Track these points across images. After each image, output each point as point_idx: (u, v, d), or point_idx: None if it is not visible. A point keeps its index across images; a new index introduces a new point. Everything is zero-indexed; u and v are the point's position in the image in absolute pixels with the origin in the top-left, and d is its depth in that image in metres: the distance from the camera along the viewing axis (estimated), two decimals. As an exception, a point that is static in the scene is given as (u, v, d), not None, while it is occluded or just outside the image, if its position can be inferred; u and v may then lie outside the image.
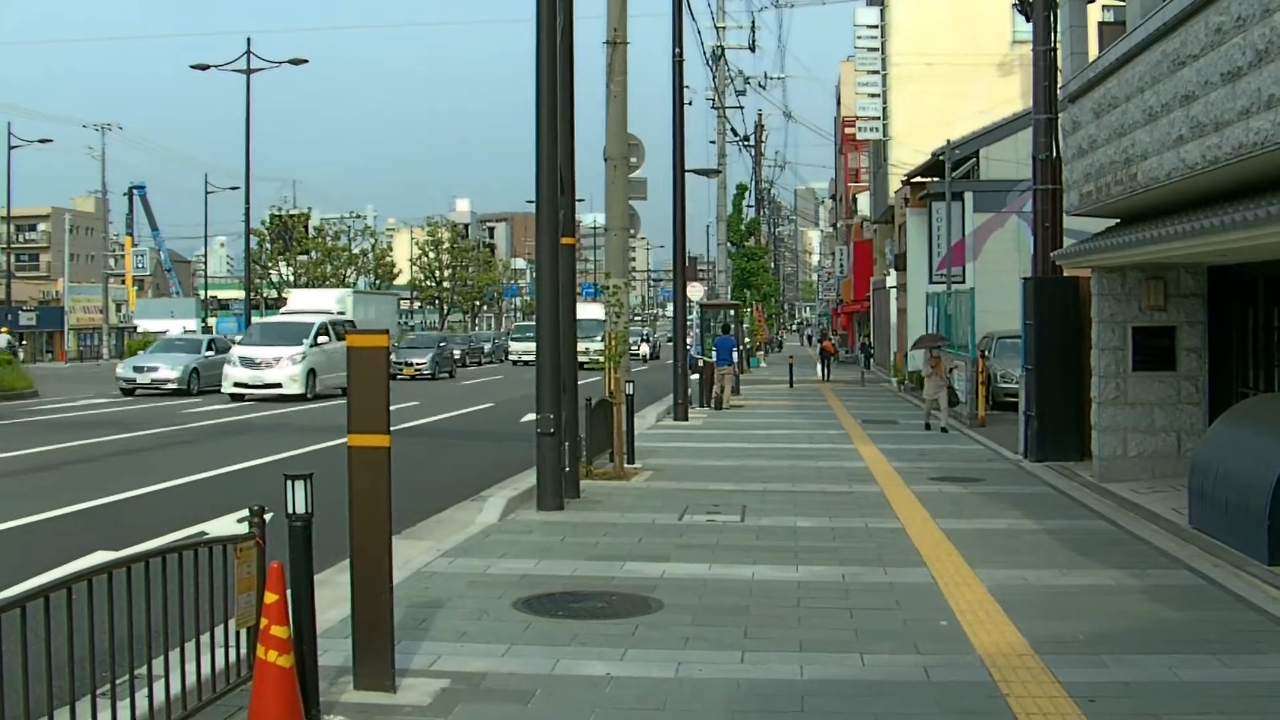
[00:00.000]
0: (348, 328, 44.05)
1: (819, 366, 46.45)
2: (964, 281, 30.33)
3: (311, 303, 43.96)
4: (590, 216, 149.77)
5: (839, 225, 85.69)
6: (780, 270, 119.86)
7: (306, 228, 77.95)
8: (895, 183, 42.18)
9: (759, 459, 17.70)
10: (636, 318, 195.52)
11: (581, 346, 43.28)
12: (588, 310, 44.54)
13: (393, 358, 40.99)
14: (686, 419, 24.83)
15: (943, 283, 29.74)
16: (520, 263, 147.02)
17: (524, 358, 54.93)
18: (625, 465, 16.02)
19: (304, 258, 75.95)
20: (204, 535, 8.77)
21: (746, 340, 51.52)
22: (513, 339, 59.92)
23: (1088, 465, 15.60)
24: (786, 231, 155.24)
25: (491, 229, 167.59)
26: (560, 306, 12.92)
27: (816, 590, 8.63)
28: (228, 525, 11.07)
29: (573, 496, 13.26)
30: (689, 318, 35.38)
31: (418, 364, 43.54)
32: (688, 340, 29.48)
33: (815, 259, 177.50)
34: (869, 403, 31.03)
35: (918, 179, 36.23)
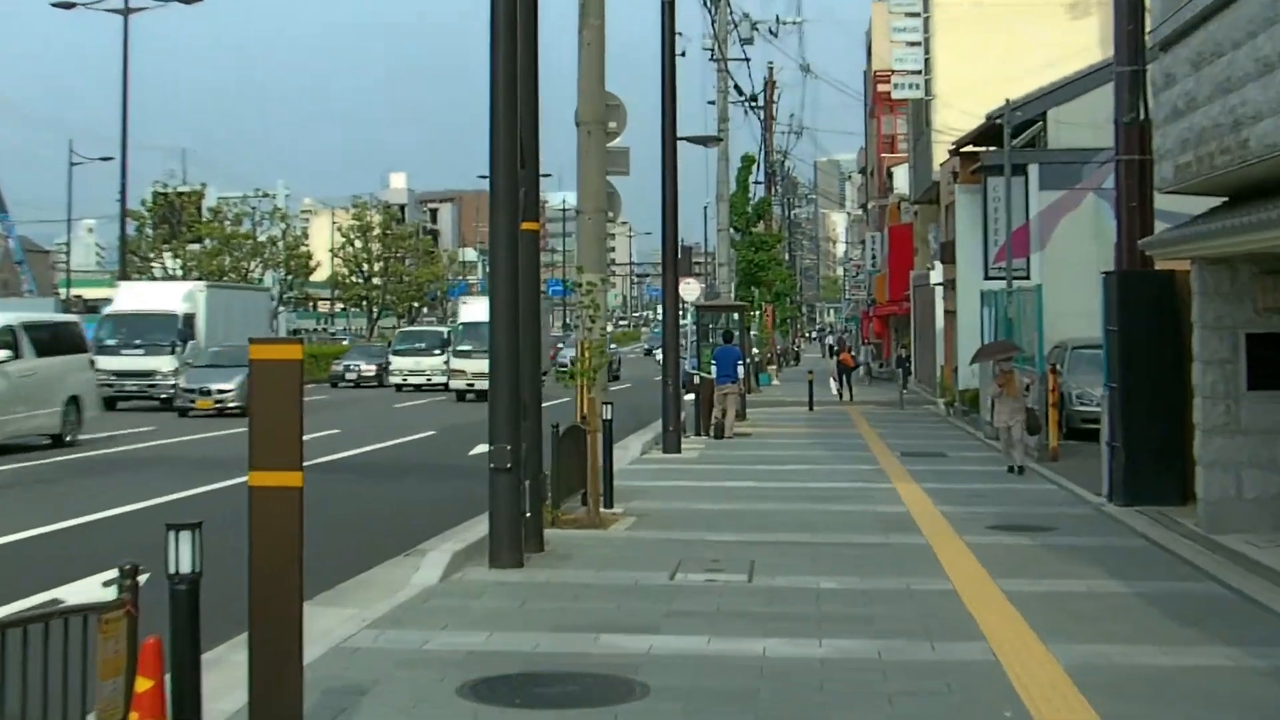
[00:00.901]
0: (183, 330, 44.21)
1: (834, 384, 46.55)
2: (1028, 276, 30.36)
3: (148, 300, 43.16)
4: (559, 196, 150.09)
5: (870, 207, 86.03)
6: (797, 263, 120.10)
7: (199, 209, 77.79)
8: (941, 153, 42.30)
9: (770, 501, 17.72)
10: (623, 322, 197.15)
11: (483, 367, 42.38)
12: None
13: (180, 382, 37.03)
14: (679, 450, 24.86)
15: (1001, 278, 29.75)
16: (470, 253, 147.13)
17: (410, 380, 51.56)
18: (602, 510, 16.01)
19: (195, 246, 75.83)
20: (58, 603, 8.68)
21: (754, 351, 51.58)
22: (396, 352, 54.13)
23: (1191, 510, 15.62)
24: (805, 214, 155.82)
25: (434, 211, 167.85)
26: (521, 308, 12.93)
27: (845, 671, 8.62)
28: (90, 589, 10.94)
29: (535, 550, 13.24)
30: (682, 323, 35.32)
31: (221, 392, 35.79)
32: (680, 351, 29.37)
33: (841, 249, 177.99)
34: (909, 430, 31.13)
35: (969, 148, 36.31)
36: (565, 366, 53.12)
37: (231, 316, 45.40)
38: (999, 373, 22.51)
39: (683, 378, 28.74)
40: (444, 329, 56.97)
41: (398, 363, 53.07)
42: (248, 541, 6.07)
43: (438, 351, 50.61)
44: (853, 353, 54.21)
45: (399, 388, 52.03)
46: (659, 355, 76.38)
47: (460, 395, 44.97)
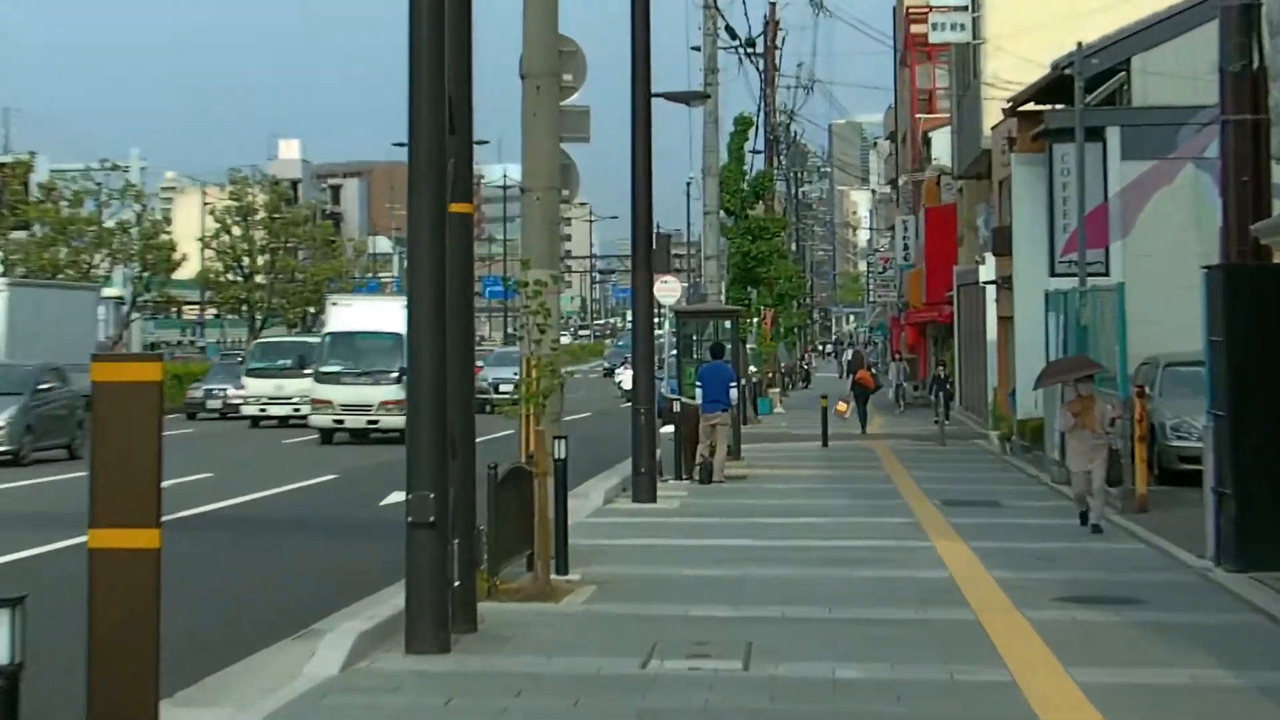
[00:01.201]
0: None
1: (843, 407, 46.11)
2: (1107, 273, 30.42)
3: None
4: (498, 169, 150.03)
5: (901, 183, 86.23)
6: (807, 257, 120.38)
7: (27, 185, 77.55)
8: (993, 113, 42.39)
9: (772, 565, 17.70)
10: (583, 333, 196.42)
11: (357, 396, 42.20)
12: (376, 312, 43.78)
13: None
14: (654, 499, 24.87)
15: (1072, 274, 29.80)
16: (384, 243, 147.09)
17: (270, 409, 50.23)
18: (554, 577, 15.95)
19: (22, 234, 75.48)
20: None
21: (751, 370, 51.54)
22: (252, 371, 52.61)
23: (1321, 576, 15.58)
24: (817, 193, 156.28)
25: (336, 189, 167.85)
26: (450, 313, 12.84)
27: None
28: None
29: (466, 629, 13.16)
30: (658, 333, 35.27)
31: None
32: (656, 369, 29.26)
33: (864, 237, 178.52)
34: (953, 472, 31.23)
35: (1029, 107, 36.38)
36: (488, 392, 52.98)
37: (42, 323, 44.86)
38: (1074, 399, 21.98)
39: (659, 404, 28.61)
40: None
41: (253, 386, 51.36)
42: (87, 619, 5.96)
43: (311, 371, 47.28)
44: (875, 371, 54.16)
45: (255, 421, 50.62)
46: (623, 378, 75.03)
47: (326, 436, 42.88)
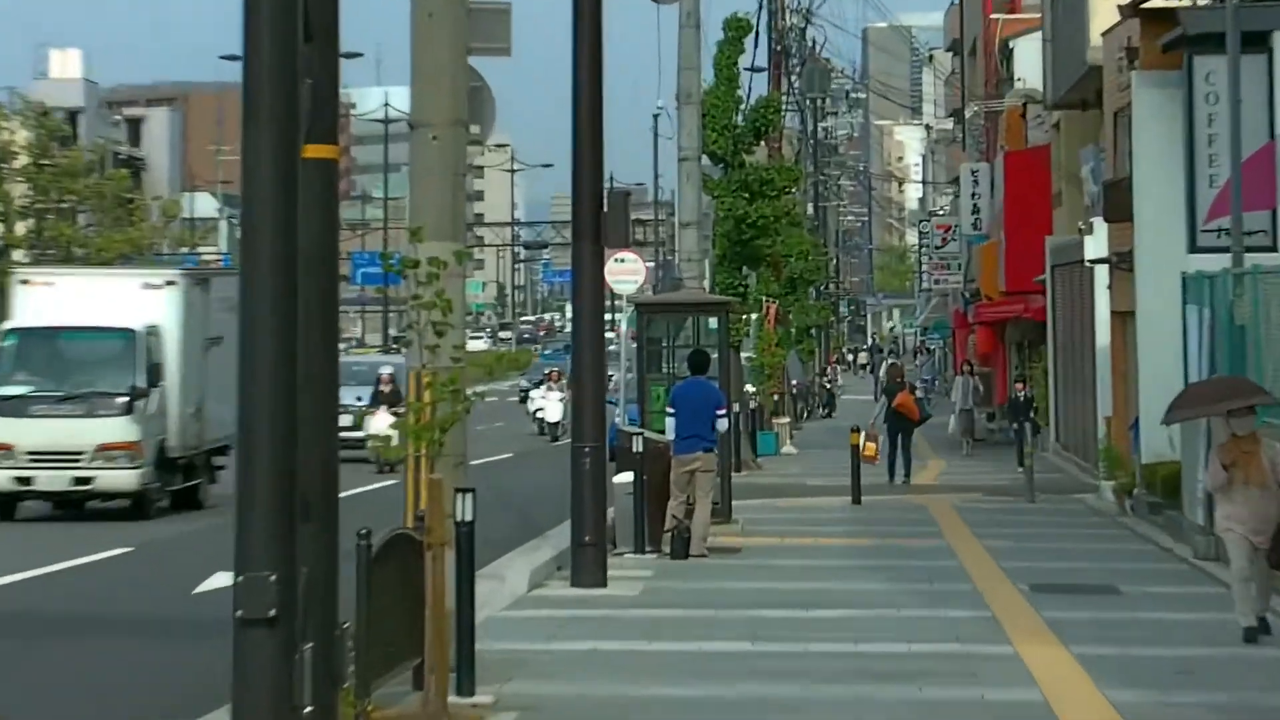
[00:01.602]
0: None
1: (868, 445, 44.45)
2: (1274, 246, 30.43)
3: None
4: (376, 95, 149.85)
5: (969, 115, 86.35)
6: (831, 223, 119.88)
7: None
8: (1105, 12, 42.44)
9: (779, 680, 17.73)
10: (505, 336, 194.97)
11: (55, 436, 37.52)
12: (94, 294, 39.43)
13: None
14: (603, 582, 24.95)
15: (1223, 249, 29.79)
16: (206, 202, 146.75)
17: None
18: (453, 699, 15.99)
19: None
20: None
21: (749, 390, 51.39)
22: None
23: None
24: (845, 129, 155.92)
25: (135, 124, 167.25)
26: (305, 304, 12.68)
27: None
28: None
29: (325, 779, 13.01)
30: (610, 335, 35.04)
31: None
32: (609, 386, 29.14)
33: (914, 195, 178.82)
34: (1046, 540, 31.42)
35: (1158, 1, 36.40)
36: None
37: None
38: (1227, 440, 21.85)
39: (611, 441, 28.40)
40: None
41: None
42: None
43: None
44: (920, 392, 53.93)
45: None
46: (543, 404, 74.84)
47: (3, 505, 39.05)
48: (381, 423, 48.16)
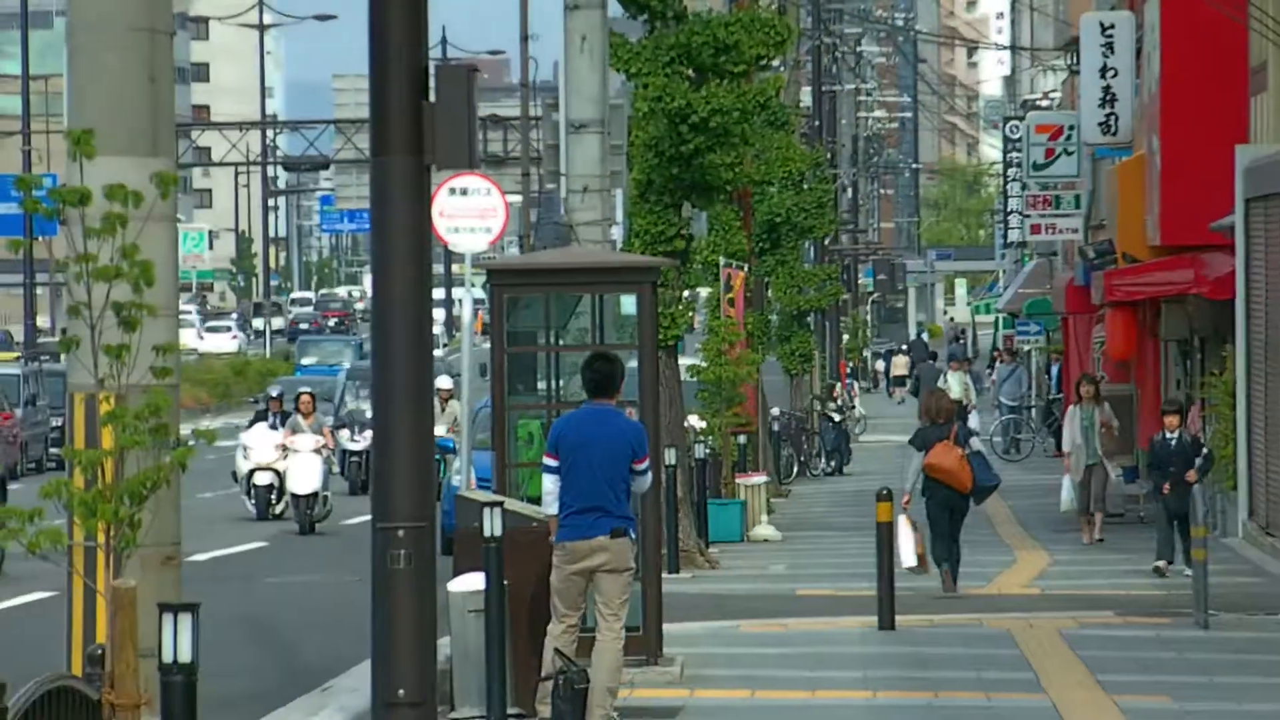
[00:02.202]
0: None
1: (907, 537, 35.46)
2: None
3: None
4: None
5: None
6: (841, 123, 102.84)
7: None
8: None
9: None
10: (257, 327, 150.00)
11: None
12: None
13: None
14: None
15: None
16: None
17: None
18: None
19: None
20: None
21: (699, 428, 43.21)
22: None
23: None
24: None
25: None
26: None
27: None
28: None
29: None
30: (439, 332, 30.13)
31: None
32: (441, 425, 24.34)
33: (994, 69, 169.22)
34: (1229, 698, 23.84)
35: None
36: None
37: None
38: None
39: (447, 514, 24.98)
40: None
41: None
42: None
43: None
44: (975, 429, 44.94)
45: None
46: (262, 456, 57.67)
47: None
48: None
